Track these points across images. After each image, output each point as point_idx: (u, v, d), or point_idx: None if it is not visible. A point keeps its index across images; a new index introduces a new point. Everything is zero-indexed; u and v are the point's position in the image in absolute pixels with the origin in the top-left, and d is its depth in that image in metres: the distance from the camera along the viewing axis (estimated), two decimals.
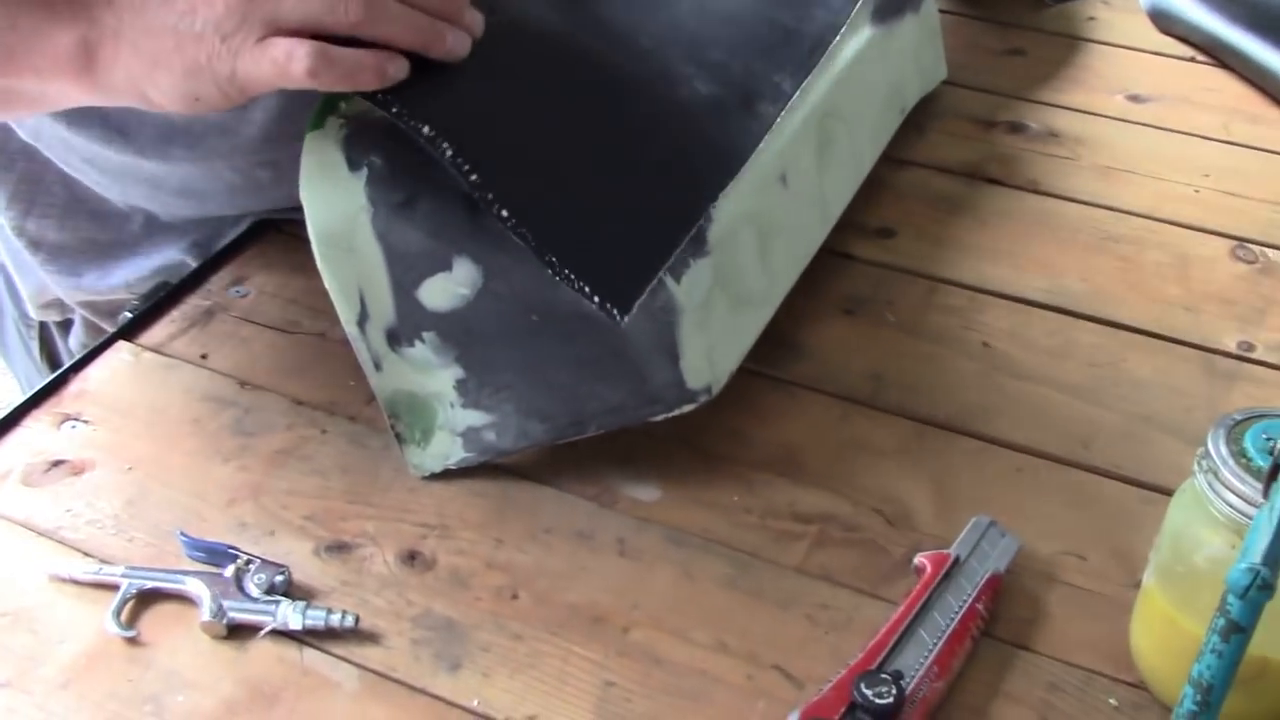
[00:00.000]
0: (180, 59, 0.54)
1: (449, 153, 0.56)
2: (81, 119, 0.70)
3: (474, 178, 0.57)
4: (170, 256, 0.79)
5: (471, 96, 0.59)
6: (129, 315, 0.74)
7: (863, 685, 0.53)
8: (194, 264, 0.78)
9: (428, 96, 0.57)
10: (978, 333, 0.75)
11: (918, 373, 0.72)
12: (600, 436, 0.62)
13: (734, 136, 0.67)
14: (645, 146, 0.65)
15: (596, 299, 0.57)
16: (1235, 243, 0.82)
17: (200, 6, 0.53)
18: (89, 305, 0.83)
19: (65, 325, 0.88)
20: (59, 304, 0.84)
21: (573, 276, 0.57)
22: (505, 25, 0.61)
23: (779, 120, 0.69)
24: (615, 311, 0.58)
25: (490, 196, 0.57)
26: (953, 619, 0.57)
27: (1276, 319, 0.76)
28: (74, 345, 0.86)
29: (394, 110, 0.56)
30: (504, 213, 0.57)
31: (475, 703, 0.55)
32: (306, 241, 0.62)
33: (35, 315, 0.87)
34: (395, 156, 0.61)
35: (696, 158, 0.66)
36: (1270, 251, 0.81)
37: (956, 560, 0.59)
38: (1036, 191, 0.86)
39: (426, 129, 0.56)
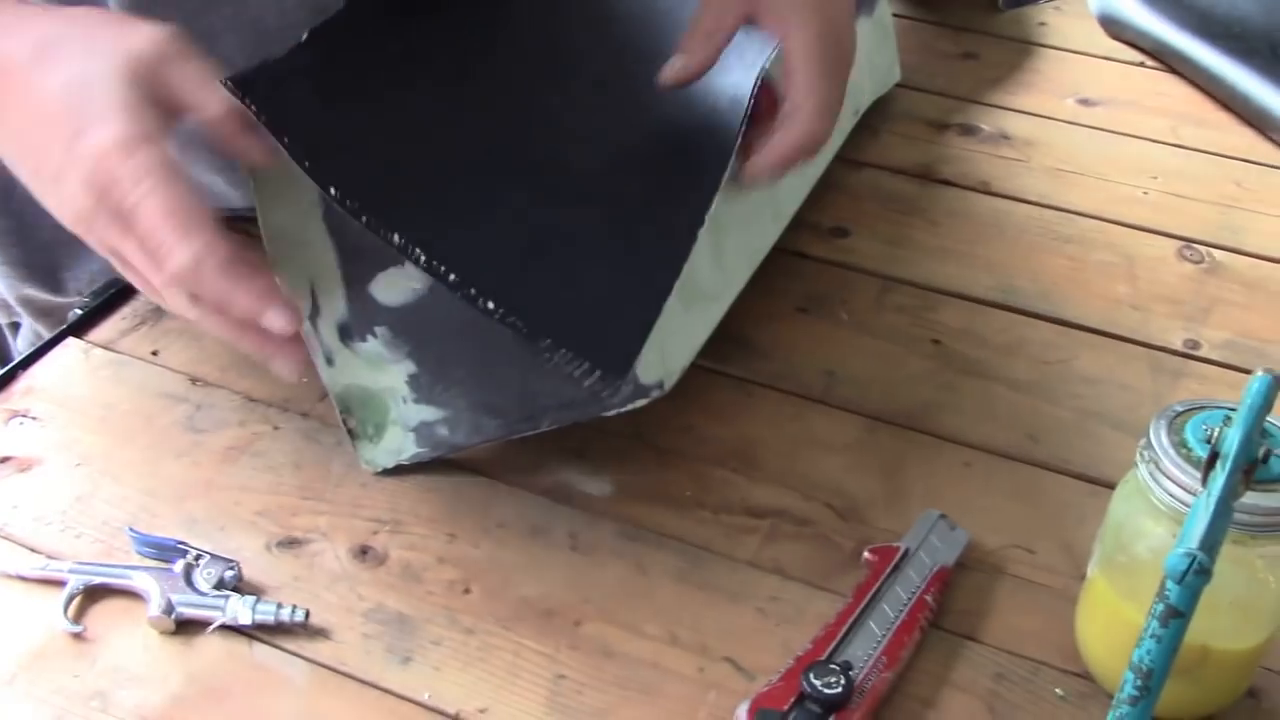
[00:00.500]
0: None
1: (422, 259, 0.55)
2: None
3: (452, 278, 0.55)
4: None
5: (433, 191, 0.59)
6: (78, 312, 0.73)
7: (811, 676, 0.53)
8: None
9: (392, 203, 0.56)
10: (929, 330, 0.76)
11: (870, 370, 0.73)
12: (554, 432, 0.62)
13: (705, 150, 0.66)
14: (618, 190, 0.63)
15: (598, 372, 0.56)
16: (1182, 243, 0.83)
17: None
18: (33, 305, 0.82)
19: (14, 327, 0.87)
20: (4, 305, 0.84)
21: (569, 354, 0.56)
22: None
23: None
24: (616, 379, 0.56)
25: (473, 292, 0.55)
26: (901, 610, 0.57)
27: (1221, 317, 0.77)
28: (22, 346, 0.85)
29: (364, 219, 0.55)
30: (490, 305, 0.55)
31: (426, 696, 0.55)
32: (259, 238, 0.61)
33: None
34: None
35: (673, 189, 0.64)
36: (1216, 252, 0.83)
37: (905, 553, 0.60)
38: (988, 192, 0.88)
39: (397, 238, 0.55)
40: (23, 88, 0.53)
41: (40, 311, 0.82)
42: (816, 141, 0.64)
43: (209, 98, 0.54)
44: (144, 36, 0.54)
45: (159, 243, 0.52)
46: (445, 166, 0.60)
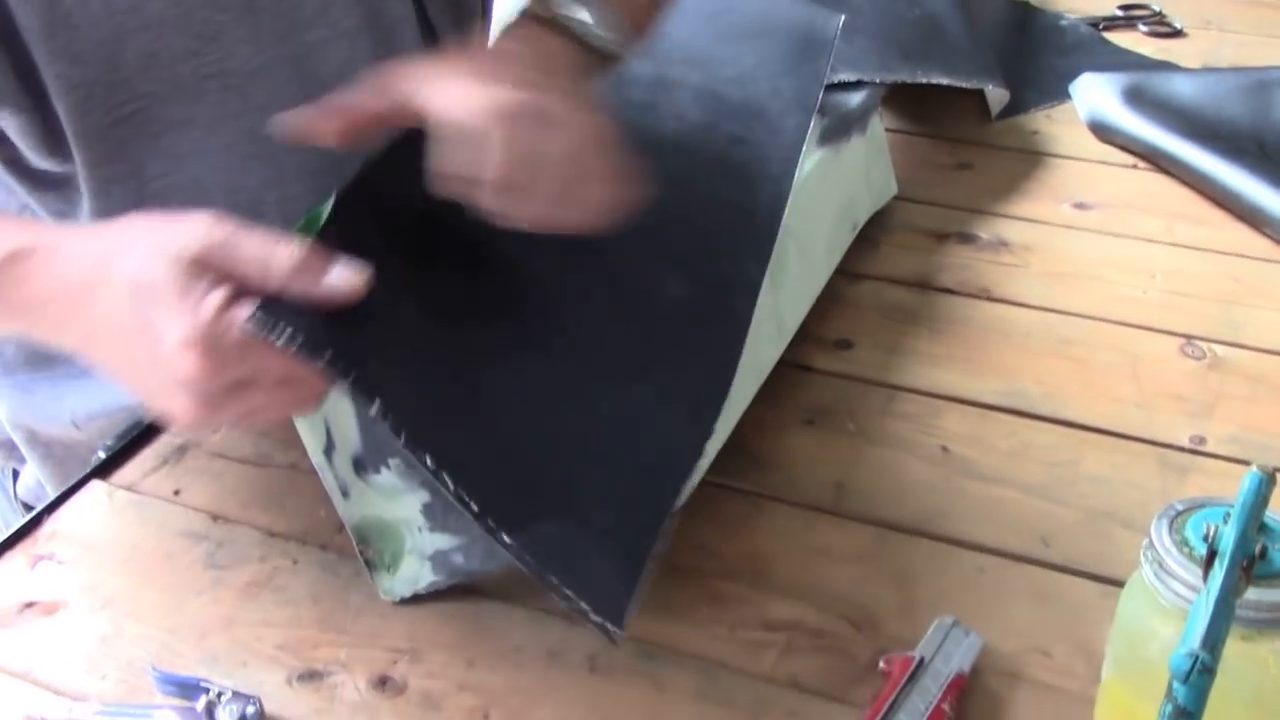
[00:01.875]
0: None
1: (451, 484, 0.56)
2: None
3: (474, 507, 0.56)
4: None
5: (454, 399, 0.59)
6: (101, 455, 0.75)
7: None
8: None
9: (433, 425, 0.57)
10: (936, 438, 0.76)
11: (879, 479, 0.73)
12: None
13: (714, 351, 0.67)
14: (621, 411, 0.63)
15: (595, 619, 0.56)
16: (1184, 340, 0.84)
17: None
18: (33, 438, 0.83)
19: (13, 474, 0.88)
20: (8, 444, 0.85)
21: (571, 595, 0.56)
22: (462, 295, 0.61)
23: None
24: (612, 630, 0.57)
25: (492, 523, 0.56)
26: None
27: (1225, 412, 0.78)
28: (22, 492, 0.87)
29: (401, 438, 0.56)
30: (506, 539, 0.56)
31: None
32: None
33: None
34: None
35: (678, 402, 0.65)
36: (1218, 347, 0.83)
37: (921, 661, 0.60)
38: (989, 299, 0.89)
39: (429, 459, 0.56)
40: (88, 306, 0.55)
41: (45, 453, 0.83)
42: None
43: (270, 270, 0.53)
44: (188, 229, 0.54)
45: (293, 381, 0.54)
46: (461, 367, 0.60)
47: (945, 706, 0.58)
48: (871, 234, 0.94)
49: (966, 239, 0.96)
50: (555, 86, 0.60)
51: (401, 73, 0.59)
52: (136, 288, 0.53)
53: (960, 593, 0.66)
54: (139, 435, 0.77)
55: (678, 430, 0.64)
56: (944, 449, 0.76)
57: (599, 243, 0.61)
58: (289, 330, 0.53)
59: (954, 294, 0.90)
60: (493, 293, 0.63)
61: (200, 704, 0.59)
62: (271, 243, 0.53)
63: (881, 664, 0.61)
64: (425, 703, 0.61)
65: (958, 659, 0.60)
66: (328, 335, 0.54)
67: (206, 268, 0.52)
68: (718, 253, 0.72)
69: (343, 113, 0.59)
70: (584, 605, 0.56)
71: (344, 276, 0.54)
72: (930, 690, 0.59)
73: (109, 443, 0.77)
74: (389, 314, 0.57)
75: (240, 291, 0.52)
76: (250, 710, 0.59)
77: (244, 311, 0.52)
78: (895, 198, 0.98)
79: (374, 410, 0.54)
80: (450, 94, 0.57)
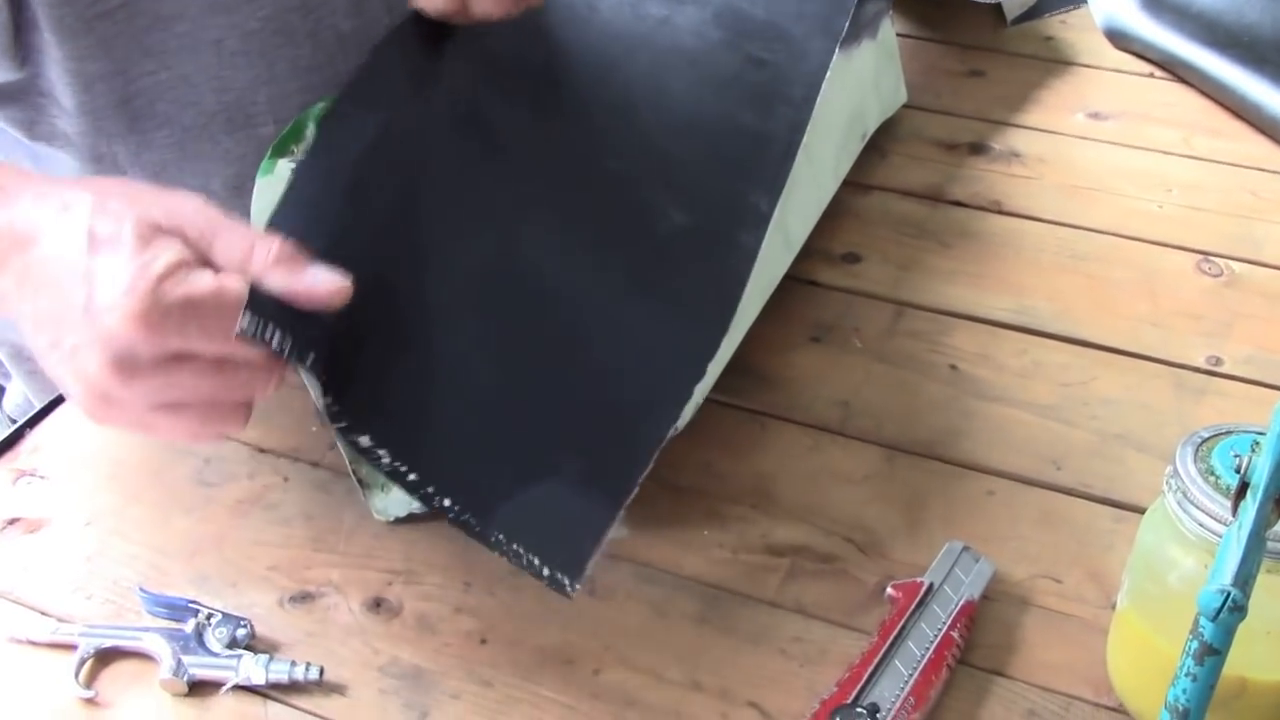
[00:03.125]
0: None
1: (385, 459, 0.56)
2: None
3: (411, 477, 0.56)
4: None
5: (404, 390, 0.57)
6: None
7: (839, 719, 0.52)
8: None
9: (365, 406, 0.56)
10: (945, 356, 0.74)
11: (886, 398, 0.71)
12: None
13: (715, 286, 0.64)
14: (609, 349, 0.61)
15: (546, 571, 0.55)
16: (1200, 256, 0.82)
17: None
18: (17, 353, 0.81)
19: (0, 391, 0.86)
20: None
21: (520, 550, 0.55)
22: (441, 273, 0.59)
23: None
24: (567, 582, 0.55)
25: (430, 490, 0.56)
26: (928, 648, 0.56)
27: (1243, 332, 0.76)
28: (9, 407, 0.84)
29: (339, 426, 0.56)
30: (445, 503, 0.56)
31: None
32: None
33: None
34: None
35: (670, 339, 0.62)
36: (1235, 264, 0.81)
37: (930, 588, 0.58)
38: (1000, 212, 0.86)
39: (365, 439, 0.55)
40: (34, 246, 0.50)
41: (29, 368, 0.81)
42: None
43: (249, 260, 0.50)
44: (174, 200, 0.51)
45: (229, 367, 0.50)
46: (428, 327, 0.58)
47: (954, 634, 0.57)
48: (881, 144, 0.91)
49: (978, 150, 0.93)
50: None
51: None
52: (93, 235, 0.49)
53: (969, 516, 0.64)
54: None
55: (667, 368, 0.61)
56: (953, 368, 0.74)
57: (602, 164, 0.59)
58: (275, 330, 0.50)
59: (964, 207, 0.87)
60: (476, 221, 0.61)
61: (189, 626, 0.57)
62: (254, 234, 0.51)
63: (889, 589, 0.59)
64: (421, 625, 0.59)
65: (967, 585, 0.59)
66: (285, 319, 0.51)
67: (177, 236, 0.49)
68: (726, 181, 0.68)
69: None
70: (536, 561, 0.55)
71: (327, 279, 0.51)
72: (939, 617, 0.57)
73: None
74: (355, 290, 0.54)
75: (204, 266, 0.49)
76: (240, 633, 0.57)
77: (201, 279, 0.48)
78: (905, 106, 0.95)
79: (316, 400, 0.53)
80: None
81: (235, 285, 0.49)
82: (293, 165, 0.61)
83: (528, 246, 0.62)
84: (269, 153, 0.63)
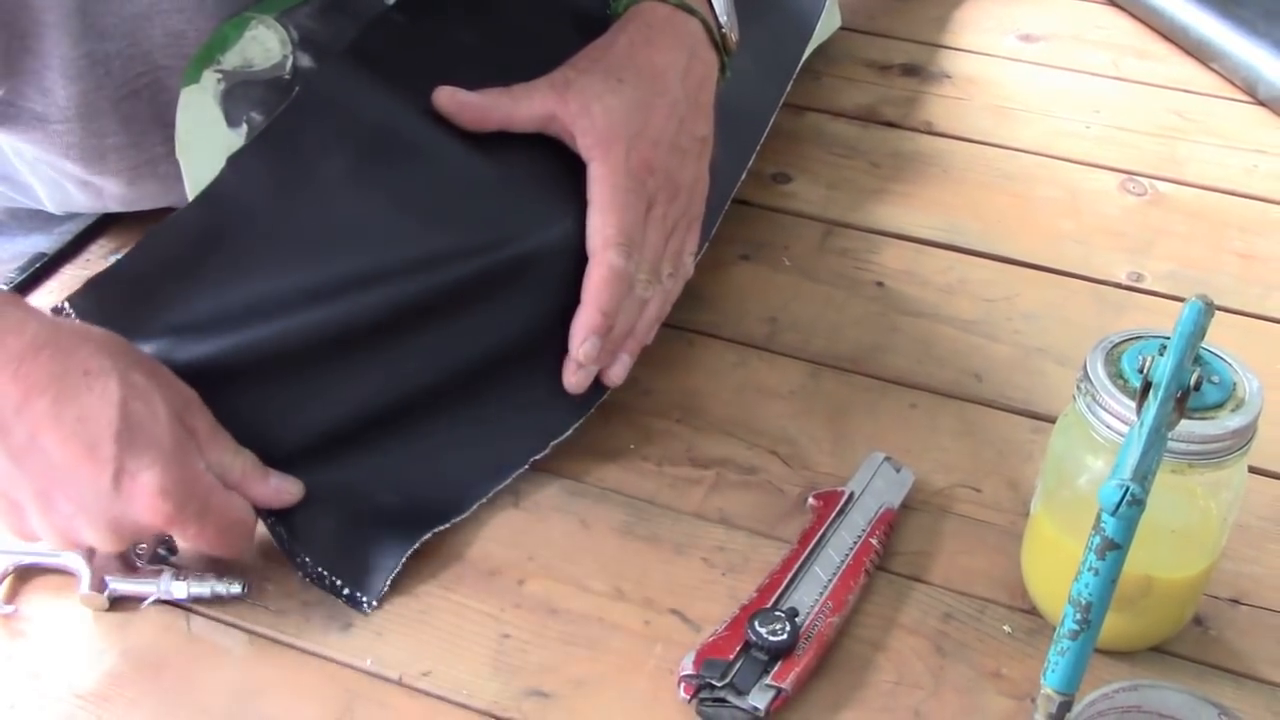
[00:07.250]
0: None
1: None
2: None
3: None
4: (37, 244, 0.76)
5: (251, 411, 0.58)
6: (3, 287, 0.72)
7: (757, 624, 0.53)
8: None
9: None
10: (872, 273, 0.75)
11: (813, 315, 0.72)
12: None
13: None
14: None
15: (345, 593, 0.56)
16: (1125, 176, 0.83)
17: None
18: None
19: None
20: None
21: (324, 573, 0.56)
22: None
23: None
24: (365, 602, 0.56)
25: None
26: (847, 555, 0.57)
27: (1164, 249, 0.77)
28: None
29: None
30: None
31: (369, 662, 0.54)
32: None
33: None
34: (275, 112, 0.60)
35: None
36: (1159, 184, 0.82)
37: (851, 496, 0.59)
38: (931, 133, 0.87)
39: None
40: (72, 387, 0.51)
41: None
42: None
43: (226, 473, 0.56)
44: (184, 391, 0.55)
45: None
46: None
47: (873, 540, 0.57)
48: (814, 66, 0.91)
49: (910, 71, 0.93)
50: None
51: None
52: (127, 417, 0.51)
53: (892, 428, 0.65)
54: (42, 267, 0.73)
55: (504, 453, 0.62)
56: (879, 284, 0.74)
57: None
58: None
59: (896, 127, 0.87)
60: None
61: None
62: (234, 449, 0.56)
63: (811, 499, 0.60)
64: None
65: (887, 494, 0.60)
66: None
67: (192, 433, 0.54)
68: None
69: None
70: (336, 581, 0.56)
71: (283, 487, 0.57)
72: (858, 524, 0.58)
73: (12, 276, 0.74)
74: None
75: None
76: (162, 549, 0.57)
77: (232, 506, 0.55)
78: (839, 29, 0.94)
79: None
80: None
81: (251, 519, 0.56)
82: (219, 76, 0.61)
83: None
84: (192, 63, 0.62)
